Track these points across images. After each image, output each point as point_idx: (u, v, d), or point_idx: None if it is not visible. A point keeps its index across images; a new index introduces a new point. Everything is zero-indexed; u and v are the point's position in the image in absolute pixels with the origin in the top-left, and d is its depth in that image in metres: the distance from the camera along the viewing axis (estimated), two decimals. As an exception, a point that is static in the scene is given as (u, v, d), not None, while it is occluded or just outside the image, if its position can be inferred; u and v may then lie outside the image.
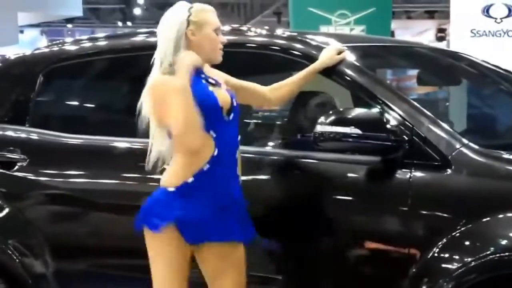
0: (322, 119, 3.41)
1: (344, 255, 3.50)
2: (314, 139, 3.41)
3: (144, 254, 3.71)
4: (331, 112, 3.43)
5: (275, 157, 3.75)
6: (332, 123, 3.37)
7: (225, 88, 3.44)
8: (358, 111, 3.42)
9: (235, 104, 3.40)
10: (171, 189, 3.31)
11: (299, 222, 3.57)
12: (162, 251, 3.34)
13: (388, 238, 3.38)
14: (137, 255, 3.93)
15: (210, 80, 3.41)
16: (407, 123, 3.42)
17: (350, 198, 3.52)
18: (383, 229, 3.41)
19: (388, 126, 3.39)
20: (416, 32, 24.51)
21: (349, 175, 3.54)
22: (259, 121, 4.90)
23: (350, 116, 3.38)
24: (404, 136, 3.39)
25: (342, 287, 3.54)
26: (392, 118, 3.43)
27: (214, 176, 3.31)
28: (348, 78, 3.67)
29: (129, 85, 4.49)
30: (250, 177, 3.69)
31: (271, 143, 4.14)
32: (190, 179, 3.30)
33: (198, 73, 3.37)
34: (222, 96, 3.38)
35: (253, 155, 3.76)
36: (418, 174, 3.36)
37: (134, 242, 3.93)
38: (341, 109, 3.49)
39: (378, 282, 3.43)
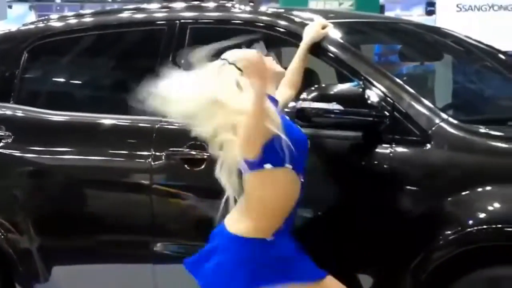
0: (304, 94, 3.44)
1: (326, 228, 3.54)
2: (296, 114, 3.44)
3: (127, 230, 3.76)
4: (313, 87, 3.46)
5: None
6: (314, 99, 3.40)
7: None
8: (340, 87, 3.44)
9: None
10: (271, 238, 3.13)
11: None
12: None
13: (369, 212, 3.42)
14: (121, 231, 3.99)
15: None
16: (388, 98, 3.44)
17: (331, 173, 3.55)
18: (363, 204, 3.45)
19: (369, 101, 3.41)
20: (406, 6, 24.43)
21: (331, 150, 3.58)
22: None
23: (332, 92, 3.41)
24: (385, 112, 3.41)
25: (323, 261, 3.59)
26: (374, 94, 3.46)
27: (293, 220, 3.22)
28: (331, 55, 3.70)
29: (114, 62, 4.51)
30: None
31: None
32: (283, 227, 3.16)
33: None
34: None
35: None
36: (399, 149, 3.39)
37: (118, 218, 3.99)
38: (323, 85, 3.52)
39: (358, 257, 3.47)
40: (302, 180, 3.15)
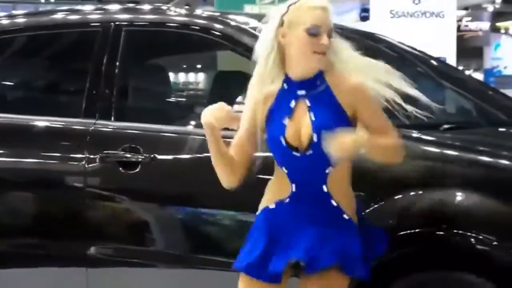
0: (239, 98, 3.44)
1: None
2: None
3: (60, 233, 3.70)
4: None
5: (193, 136, 3.77)
6: None
7: (309, 117, 2.88)
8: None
9: (315, 140, 2.85)
10: (258, 212, 3.01)
11: (217, 200, 3.62)
12: None
13: None
14: (54, 234, 3.94)
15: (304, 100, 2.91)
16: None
17: (267, 176, 3.55)
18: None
19: None
20: (341, 11, 24.64)
21: (265, 154, 3.58)
22: (180, 100, 4.92)
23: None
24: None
25: None
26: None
27: (295, 210, 2.93)
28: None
29: (48, 64, 4.47)
30: (170, 157, 3.74)
31: (192, 122, 4.16)
32: (272, 206, 2.96)
33: (292, 88, 2.92)
34: (295, 129, 2.89)
35: (173, 135, 3.80)
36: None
37: (52, 221, 3.94)
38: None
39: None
40: (286, 172, 2.93)
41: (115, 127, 3.86)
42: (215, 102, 4.15)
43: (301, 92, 2.91)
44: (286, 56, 2.90)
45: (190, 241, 3.77)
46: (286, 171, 2.93)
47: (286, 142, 2.89)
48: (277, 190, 2.97)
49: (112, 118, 3.88)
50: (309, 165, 2.89)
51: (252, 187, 3.46)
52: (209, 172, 3.59)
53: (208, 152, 3.66)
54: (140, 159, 3.71)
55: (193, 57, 4.05)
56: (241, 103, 3.36)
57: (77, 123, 3.93)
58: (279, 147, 2.91)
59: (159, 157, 3.71)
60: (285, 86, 2.93)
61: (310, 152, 2.87)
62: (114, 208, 3.83)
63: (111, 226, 3.83)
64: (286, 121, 2.90)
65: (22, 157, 4.03)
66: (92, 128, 3.87)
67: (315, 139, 2.85)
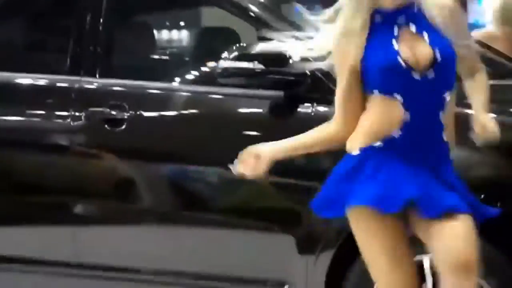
0: (225, 54, 3.43)
1: (241, 189, 3.56)
2: (217, 74, 3.43)
3: (46, 192, 3.68)
4: (234, 47, 3.45)
5: (179, 93, 3.76)
6: (236, 59, 3.39)
7: (423, 39, 2.72)
8: (261, 47, 3.44)
9: (439, 59, 2.70)
10: (355, 152, 2.73)
11: (203, 157, 3.62)
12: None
13: (288, 172, 3.42)
14: (40, 193, 3.92)
15: (408, 27, 2.75)
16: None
17: (253, 133, 3.55)
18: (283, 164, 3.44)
19: (291, 61, 3.40)
20: None
21: (253, 110, 3.58)
22: (164, 57, 4.88)
23: (253, 52, 3.41)
24: (307, 71, 3.41)
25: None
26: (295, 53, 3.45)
27: (409, 144, 2.73)
28: (252, 14, 3.69)
29: (31, 20, 4.42)
30: (155, 114, 3.73)
31: (176, 79, 4.14)
32: (377, 143, 2.72)
33: (388, 18, 2.75)
34: (410, 49, 2.71)
35: (159, 91, 3.78)
36: (320, 108, 3.41)
37: (37, 180, 3.92)
38: (244, 45, 3.51)
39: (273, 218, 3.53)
40: (400, 100, 2.70)
41: (100, 84, 3.83)
42: (201, 59, 4.19)
43: (401, 19, 2.75)
44: None
45: (177, 198, 3.76)
46: (400, 98, 2.71)
47: (405, 63, 2.71)
48: (382, 125, 2.74)
49: (97, 75, 3.85)
50: (428, 89, 2.72)
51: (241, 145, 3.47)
52: (195, 128, 3.60)
53: (193, 108, 3.70)
54: (125, 116, 3.69)
55: (178, 14, 3.99)
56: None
57: (61, 80, 3.89)
58: (394, 71, 2.71)
59: (145, 114, 3.69)
60: (379, 18, 2.76)
61: (432, 74, 2.71)
62: (100, 166, 3.81)
63: (97, 184, 3.82)
64: (396, 46, 2.72)
65: (6, 115, 3.99)
66: (77, 85, 3.84)
67: (438, 58, 2.70)
